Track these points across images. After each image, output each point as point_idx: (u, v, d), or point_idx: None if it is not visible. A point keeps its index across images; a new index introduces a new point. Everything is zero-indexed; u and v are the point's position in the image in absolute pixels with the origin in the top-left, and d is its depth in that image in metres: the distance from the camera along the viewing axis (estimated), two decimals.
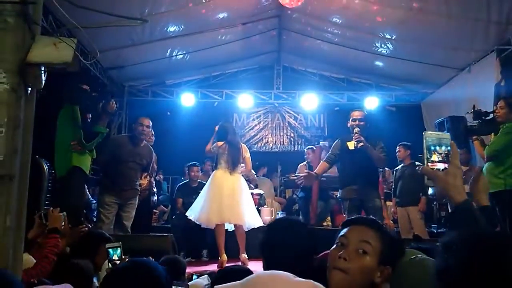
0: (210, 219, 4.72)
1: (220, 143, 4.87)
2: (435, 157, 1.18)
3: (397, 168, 5.87)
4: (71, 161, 4.08)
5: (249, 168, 5.21)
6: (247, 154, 5.03)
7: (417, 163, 5.57)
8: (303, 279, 1.06)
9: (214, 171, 4.92)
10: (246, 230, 4.84)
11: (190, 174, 6.32)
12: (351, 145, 4.50)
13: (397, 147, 5.74)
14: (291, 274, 1.08)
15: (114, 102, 4.31)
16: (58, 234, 2.56)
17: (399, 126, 7.76)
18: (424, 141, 1.20)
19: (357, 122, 4.54)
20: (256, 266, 4.70)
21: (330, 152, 4.80)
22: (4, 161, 1.68)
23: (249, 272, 1.88)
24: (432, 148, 1.19)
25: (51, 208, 2.69)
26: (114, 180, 4.64)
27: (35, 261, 2.51)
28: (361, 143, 4.39)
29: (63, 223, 2.68)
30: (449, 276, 0.83)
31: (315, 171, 4.74)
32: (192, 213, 4.92)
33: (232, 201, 4.72)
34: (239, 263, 4.78)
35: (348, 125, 4.65)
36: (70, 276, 2.12)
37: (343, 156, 4.62)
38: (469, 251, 0.83)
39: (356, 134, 4.45)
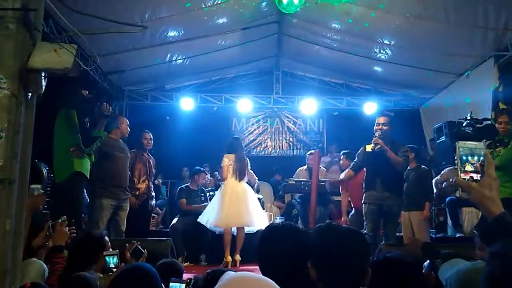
0: (228, 222, 5.26)
1: (230, 156, 5.43)
2: (468, 168, 1.14)
3: None
4: (72, 165, 4.07)
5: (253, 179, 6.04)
6: (248, 166, 5.67)
7: (422, 166, 5.55)
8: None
9: (225, 180, 5.45)
10: (252, 232, 5.37)
11: (198, 180, 6.39)
12: (369, 147, 4.63)
13: None
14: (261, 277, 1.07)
15: (107, 104, 4.31)
16: (63, 253, 2.57)
17: (398, 131, 7.76)
18: (457, 151, 1.16)
19: (380, 127, 4.67)
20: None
21: (355, 160, 4.95)
22: (4, 166, 1.69)
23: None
24: (465, 158, 1.15)
25: (60, 221, 2.70)
26: (107, 178, 4.66)
27: (45, 266, 2.53)
28: (378, 146, 4.49)
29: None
30: (499, 283, 0.81)
31: (341, 177, 4.94)
32: (205, 219, 5.40)
33: (246, 206, 5.33)
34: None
35: (374, 129, 4.77)
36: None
37: (365, 161, 4.77)
38: None
39: (374, 137, 4.58)
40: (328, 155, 8.29)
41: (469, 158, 1.15)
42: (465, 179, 1.14)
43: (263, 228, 5.26)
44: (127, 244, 3.16)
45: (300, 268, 1.49)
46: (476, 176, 1.14)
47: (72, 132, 4.11)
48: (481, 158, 1.15)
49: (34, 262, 2.58)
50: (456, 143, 1.18)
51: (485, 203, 1.12)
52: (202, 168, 6.58)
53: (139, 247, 3.07)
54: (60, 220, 2.73)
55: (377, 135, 4.58)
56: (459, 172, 1.14)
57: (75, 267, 2.33)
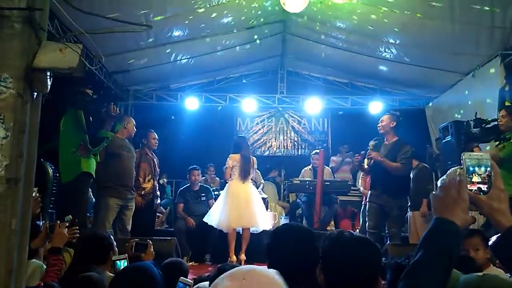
0: (230, 224, 5.25)
1: (235, 156, 5.38)
2: (475, 179, 1.13)
3: None
4: (80, 166, 4.07)
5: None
6: (255, 166, 5.72)
7: (422, 164, 5.53)
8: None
9: (229, 181, 5.44)
10: (257, 232, 5.38)
11: (191, 178, 6.34)
12: (365, 164, 4.78)
13: None
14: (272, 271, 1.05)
15: (114, 105, 4.34)
16: (61, 255, 2.57)
17: (403, 130, 7.73)
18: (463, 162, 1.15)
19: (379, 124, 4.83)
20: None
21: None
22: (10, 165, 1.70)
23: None
24: (471, 169, 1.13)
25: (59, 222, 2.70)
26: (113, 177, 4.67)
27: (45, 266, 2.53)
28: (372, 160, 4.66)
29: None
30: None
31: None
32: (211, 219, 5.42)
33: (248, 208, 5.30)
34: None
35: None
36: None
37: (370, 168, 4.86)
38: None
39: (368, 154, 4.73)
40: (338, 155, 8.27)
41: (476, 169, 1.14)
42: (472, 190, 1.12)
43: (267, 228, 5.33)
44: (127, 245, 3.14)
45: (309, 270, 1.48)
46: (483, 187, 1.12)
47: (80, 132, 4.12)
48: (488, 168, 1.14)
49: (34, 264, 2.58)
50: (462, 155, 1.16)
51: (494, 216, 1.10)
52: (196, 166, 6.47)
53: (139, 241, 3.06)
54: (65, 220, 2.73)
55: (370, 147, 4.79)
56: (466, 184, 1.13)
57: (81, 267, 2.33)
